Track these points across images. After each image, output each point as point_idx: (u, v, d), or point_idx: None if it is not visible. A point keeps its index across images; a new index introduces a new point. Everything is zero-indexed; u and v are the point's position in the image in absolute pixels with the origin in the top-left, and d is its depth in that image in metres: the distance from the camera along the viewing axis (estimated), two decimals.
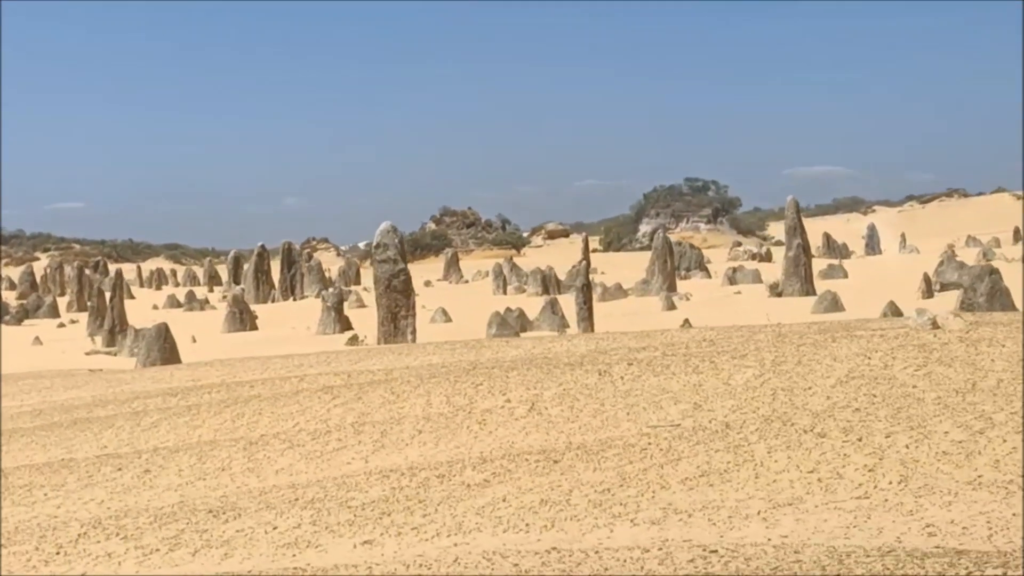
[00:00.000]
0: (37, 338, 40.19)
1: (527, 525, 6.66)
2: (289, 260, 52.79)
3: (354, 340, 32.77)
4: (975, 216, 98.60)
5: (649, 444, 8.21)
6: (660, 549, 5.69)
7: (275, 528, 7.28)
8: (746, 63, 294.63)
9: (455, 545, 6.49)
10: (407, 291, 33.83)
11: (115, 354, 35.71)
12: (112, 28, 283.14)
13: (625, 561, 5.59)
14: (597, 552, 5.85)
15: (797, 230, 38.05)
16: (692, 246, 55.23)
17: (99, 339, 40.08)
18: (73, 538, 7.70)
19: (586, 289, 33.44)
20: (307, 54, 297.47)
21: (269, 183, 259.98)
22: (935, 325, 11.89)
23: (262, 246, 53.41)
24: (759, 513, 6.33)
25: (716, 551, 5.43)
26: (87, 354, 36.07)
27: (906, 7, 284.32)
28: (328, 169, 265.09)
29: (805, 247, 38.16)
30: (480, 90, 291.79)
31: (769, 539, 5.79)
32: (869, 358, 10.37)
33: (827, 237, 62.43)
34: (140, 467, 10.15)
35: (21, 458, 11.73)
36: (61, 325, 47.26)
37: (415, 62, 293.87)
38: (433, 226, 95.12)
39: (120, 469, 10.15)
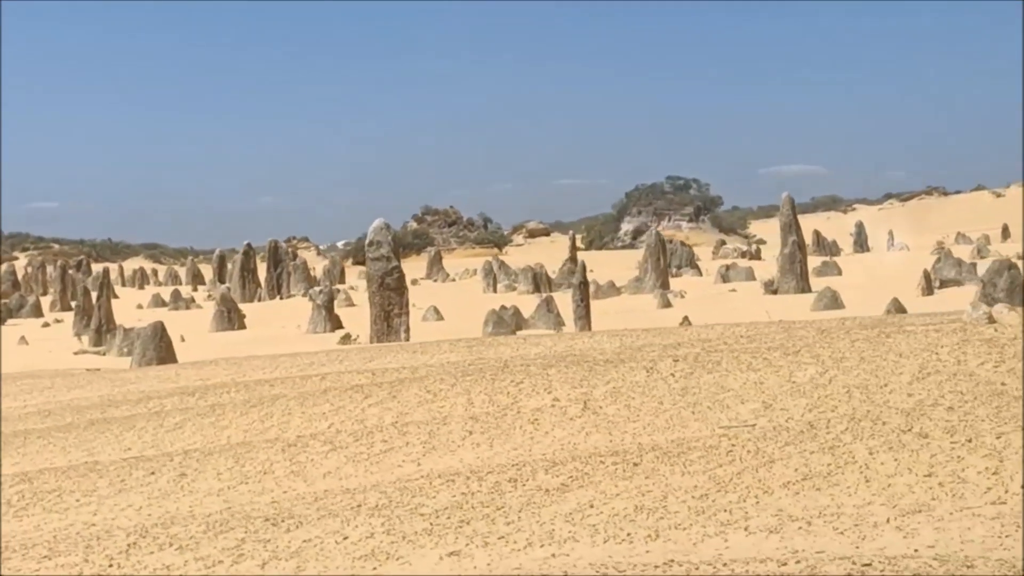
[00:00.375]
0: (23, 338, 39.42)
1: (628, 535, 6.13)
2: (275, 259, 52.07)
3: (346, 339, 32.18)
4: (956, 214, 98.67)
5: (733, 446, 7.69)
6: (798, 562, 5.17)
7: (346, 538, 6.72)
8: (719, 62, 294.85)
9: (553, 556, 5.96)
10: (400, 289, 33.25)
11: (104, 353, 34.99)
12: (82, 26, 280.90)
13: None
14: (725, 564, 5.33)
15: (792, 227, 37.65)
16: (683, 243, 54.81)
17: (86, 338, 39.32)
18: (123, 548, 7.12)
19: (583, 287, 32.94)
20: (281, 53, 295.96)
21: (245, 182, 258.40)
22: (991, 319, 11.42)
23: (248, 244, 52.66)
24: (888, 521, 5.82)
25: (870, 564, 4.91)
26: (75, 354, 35.33)
27: (881, 7, 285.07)
28: (304, 168, 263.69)
29: (800, 244, 37.77)
30: (456, 89, 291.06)
31: (916, 550, 5.28)
32: (936, 354, 9.89)
33: (817, 235, 62.09)
34: (174, 471, 9.57)
35: (40, 461, 11.13)
36: (45, 325, 46.45)
37: (391, 61, 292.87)
38: (415, 225, 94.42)
39: (153, 473, 9.56)
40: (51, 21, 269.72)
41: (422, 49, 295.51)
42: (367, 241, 34.47)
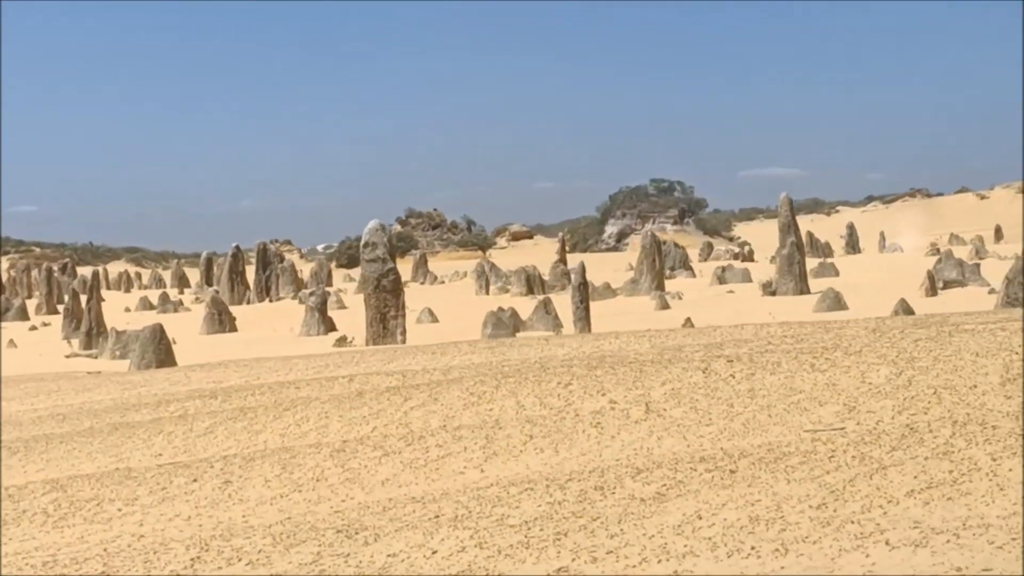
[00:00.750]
0: (12, 341, 38.71)
1: (752, 548, 5.61)
2: (264, 261, 51.39)
3: (342, 341, 31.63)
4: (942, 215, 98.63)
5: (833, 451, 7.17)
6: None
7: (435, 552, 6.17)
8: (695, 65, 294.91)
9: (675, 574, 5.43)
10: (396, 291, 32.74)
11: (95, 357, 34.31)
12: (53, 29, 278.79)
13: None
14: None
15: (791, 228, 37.27)
16: (676, 245, 54.38)
17: (76, 342, 38.60)
18: (186, 563, 6.55)
19: (583, 288, 32.48)
20: (256, 55, 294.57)
21: (225, 185, 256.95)
22: None
23: (236, 247, 51.91)
24: None
25: None
26: (67, 357, 34.65)
27: (860, 9, 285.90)
28: (285, 172, 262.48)
29: (799, 245, 37.40)
30: (433, 92, 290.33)
31: None
32: (1016, 354, 9.41)
33: (810, 236, 61.75)
34: (217, 477, 9.00)
35: (66, 467, 10.55)
36: (33, 328, 45.68)
37: (370, 65, 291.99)
38: (399, 227, 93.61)
39: (195, 480, 8.99)
40: (22, 25, 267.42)
41: (401, 52, 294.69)
42: (362, 243, 33.92)
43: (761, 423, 8.54)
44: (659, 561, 5.62)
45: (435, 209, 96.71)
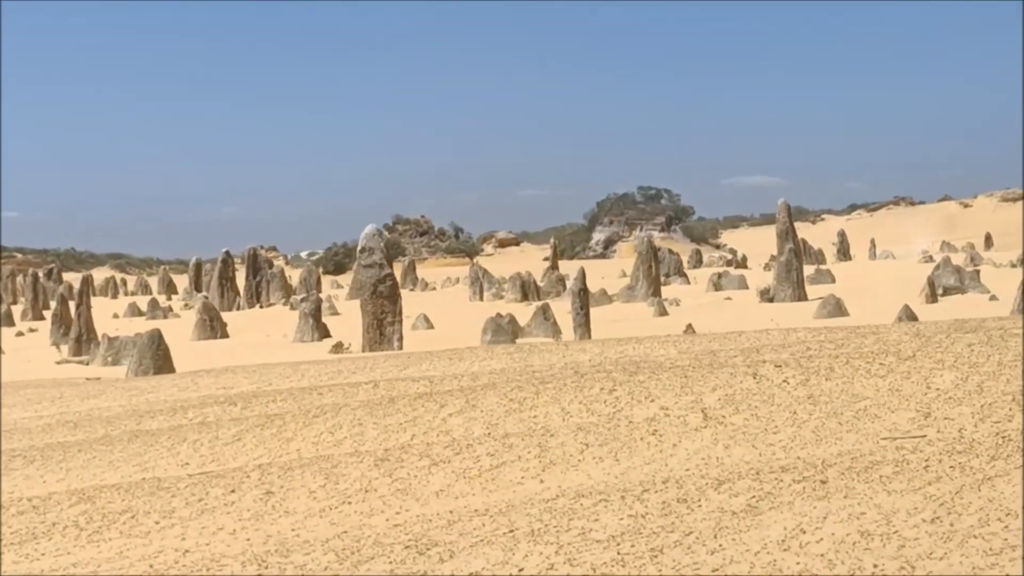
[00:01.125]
0: None
1: (874, 566, 5.18)
2: (255, 267, 50.83)
3: (338, 347, 31.16)
4: (926, 223, 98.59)
5: (927, 461, 6.75)
6: None
7: (521, 570, 5.73)
8: (676, 73, 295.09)
9: None
10: (393, 297, 32.32)
11: (87, 363, 33.73)
12: (35, 31, 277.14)
13: None
14: None
15: (788, 234, 36.94)
16: (671, 251, 54.01)
17: (65, 348, 38.00)
18: None
19: (583, 294, 32.05)
20: (242, 59, 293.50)
21: (206, 192, 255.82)
22: None
23: (227, 252, 51.30)
24: None
25: None
26: (57, 363, 34.03)
27: (838, 18, 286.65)
28: (267, 179, 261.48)
29: (797, 252, 37.09)
30: (419, 99, 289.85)
31: None
32: None
33: (804, 243, 61.51)
34: (256, 488, 8.53)
35: (88, 477, 10.04)
36: (19, 334, 44.99)
37: (352, 70, 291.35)
38: (386, 234, 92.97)
39: (233, 491, 8.51)
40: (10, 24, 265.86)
41: (385, 59, 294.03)
42: (359, 248, 33.54)
43: (832, 431, 8.11)
44: None
45: (423, 216, 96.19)
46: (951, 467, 6.54)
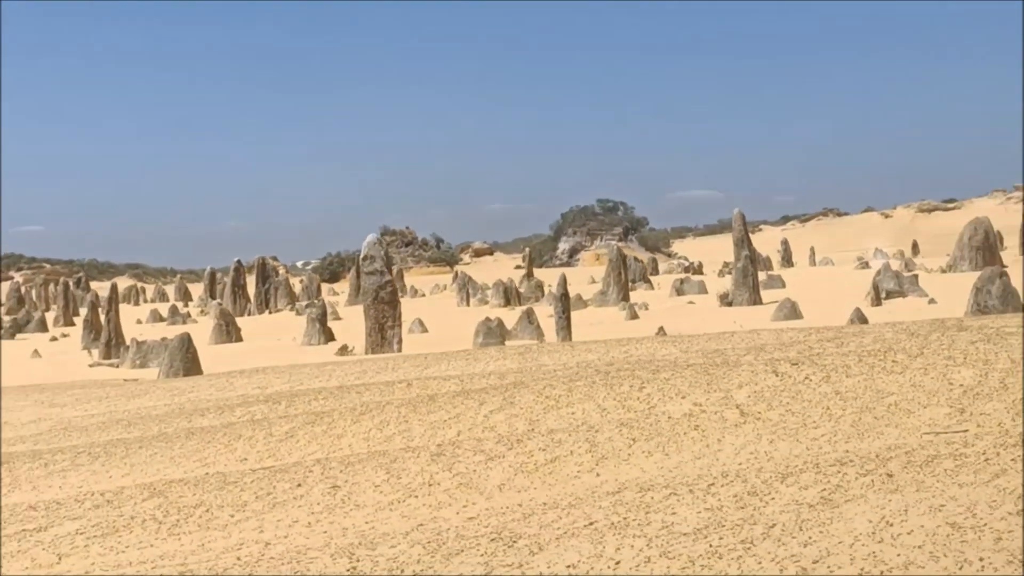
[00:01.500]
0: (36, 351, 37.21)
1: (980, 560, 4.67)
2: (264, 275, 50.01)
3: (344, 350, 30.51)
4: (855, 232, 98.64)
5: (985, 454, 6.24)
6: None
7: (617, 563, 5.17)
8: (624, 94, 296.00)
9: None
10: (393, 302, 31.68)
11: (117, 366, 32.92)
12: (45, 48, 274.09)
13: None
14: None
15: (744, 242, 36.51)
16: (636, 259, 53.50)
17: (96, 352, 37.17)
18: (342, 573, 5.53)
19: (565, 299, 31.49)
20: (217, 76, 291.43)
21: (213, 206, 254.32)
22: None
23: (239, 261, 50.48)
24: None
25: None
26: (90, 366, 33.21)
27: (767, 41, 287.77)
28: (267, 193, 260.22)
29: (752, 259, 36.66)
30: (395, 117, 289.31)
31: None
32: None
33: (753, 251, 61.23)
34: (323, 483, 7.93)
35: (151, 472, 9.43)
36: (53, 339, 44.07)
37: (329, 88, 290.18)
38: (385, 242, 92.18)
39: (299, 485, 7.92)
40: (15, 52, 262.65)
41: (359, 78, 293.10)
42: (361, 255, 32.87)
43: (870, 425, 7.61)
44: (882, 573, 4.67)
45: (407, 227, 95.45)
46: (1013, 460, 6.04)
